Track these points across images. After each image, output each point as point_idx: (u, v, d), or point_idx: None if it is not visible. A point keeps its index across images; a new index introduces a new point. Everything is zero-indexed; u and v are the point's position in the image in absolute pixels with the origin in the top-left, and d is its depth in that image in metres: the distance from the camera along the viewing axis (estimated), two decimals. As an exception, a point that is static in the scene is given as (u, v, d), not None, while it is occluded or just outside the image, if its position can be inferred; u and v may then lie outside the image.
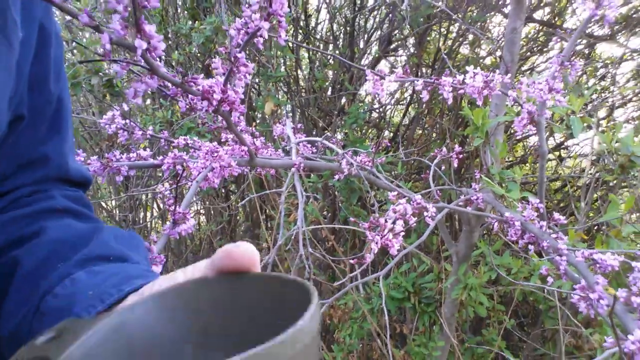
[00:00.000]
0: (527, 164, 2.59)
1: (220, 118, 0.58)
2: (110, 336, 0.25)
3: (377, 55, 2.52)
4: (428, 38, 2.49)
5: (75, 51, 1.86)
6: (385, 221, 0.66)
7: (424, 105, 2.45)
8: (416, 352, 1.87)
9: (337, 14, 2.55)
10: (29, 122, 0.40)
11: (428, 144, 2.48)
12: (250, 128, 1.13)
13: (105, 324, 0.25)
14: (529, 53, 2.50)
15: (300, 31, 2.54)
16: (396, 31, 2.51)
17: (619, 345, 0.71)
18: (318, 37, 2.67)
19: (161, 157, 0.75)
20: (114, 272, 0.35)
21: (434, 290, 1.92)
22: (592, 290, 0.90)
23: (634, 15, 2.02)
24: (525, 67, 2.58)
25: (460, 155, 1.21)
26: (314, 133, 2.38)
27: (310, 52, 2.56)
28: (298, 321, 0.21)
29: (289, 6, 2.36)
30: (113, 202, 2.76)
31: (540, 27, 2.46)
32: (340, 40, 2.62)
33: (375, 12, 2.54)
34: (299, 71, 2.61)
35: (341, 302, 2.00)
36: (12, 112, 0.38)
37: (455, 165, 1.26)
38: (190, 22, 2.11)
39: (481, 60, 2.43)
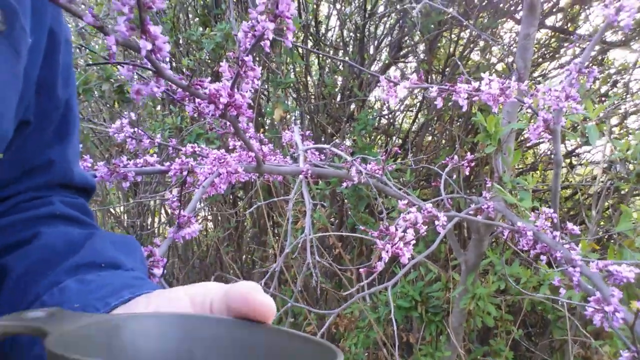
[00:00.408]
0: (537, 172, 2.56)
1: (228, 123, 0.57)
2: (103, 333, 0.25)
3: (387, 61, 2.51)
4: (438, 44, 2.48)
5: (87, 57, 1.88)
6: (396, 229, 0.65)
7: (434, 112, 2.43)
8: (423, 362, 1.84)
9: (348, 20, 2.55)
10: (36, 127, 0.40)
11: (437, 151, 2.46)
12: (259, 134, 1.13)
13: (99, 321, 0.25)
14: (540, 59, 2.48)
15: (310, 38, 2.54)
16: (406, 37, 2.50)
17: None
18: (328, 43, 2.67)
19: (168, 163, 0.75)
20: (102, 284, 0.34)
21: (441, 299, 1.89)
22: (607, 303, 0.88)
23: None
24: (536, 74, 2.56)
25: (473, 163, 1.20)
26: (323, 139, 2.37)
27: (320, 59, 2.56)
28: None
29: (299, 13, 2.36)
30: (121, 208, 2.77)
31: (553, 34, 2.43)
32: (350, 46, 2.61)
33: (386, 19, 2.54)
34: (308, 77, 2.61)
35: (347, 311, 1.98)
36: (19, 118, 0.38)
37: (467, 173, 1.25)
38: (200, 29, 2.12)
39: (492, 67, 2.41)
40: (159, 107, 2.41)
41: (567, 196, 2.53)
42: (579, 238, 1.19)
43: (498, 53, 2.49)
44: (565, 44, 2.36)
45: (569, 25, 2.38)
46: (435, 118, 2.49)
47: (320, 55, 2.49)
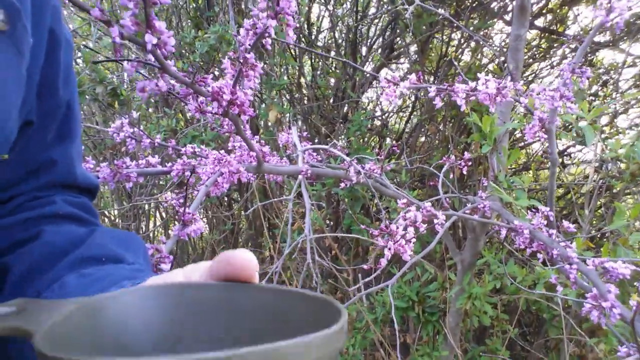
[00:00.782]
0: (530, 171, 2.58)
1: (228, 123, 0.57)
2: (84, 319, 0.24)
3: (379, 62, 2.52)
4: (430, 45, 2.49)
5: (80, 61, 1.86)
6: (397, 228, 0.65)
7: (426, 113, 2.44)
8: (420, 362, 1.85)
9: (340, 22, 2.56)
10: (38, 127, 0.40)
11: (430, 151, 2.48)
12: (257, 137, 1.12)
13: (83, 305, 0.24)
14: (531, 60, 2.50)
15: (303, 39, 2.55)
16: (398, 38, 2.51)
17: None
18: (320, 44, 2.67)
19: (170, 164, 0.75)
20: (102, 276, 0.34)
21: (438, 299, 1.90)
22: (604, 299, 0.89)
23: (637, 22, 2.02)
24: (527, 74, 2.58)
25: (469, 163, 1.21)
26: (317, 140, 2.37)
27: (313, 60, 2.57)
28: (332, 326, 0.19)
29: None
30: (116, 212, 2.75)
31: (542, 34, 2.46)
32: (342, 48, 2.62)
33: (377, 20, 2.55)
34: (302, 79, 2.62)
35: (345, 312, 1.98)
36: (22, 118, 0.38)
37: (464, 172, 1.26)
38: (193, 31, 2.11)
39: (483, 68, 2.43)
40: (151, 110, 2.39)
41: (559, 195, 2.55)
42: (574, 236, 1.20)
43: (489, 54, 2.51)
44: (555, 45, 2.39)
45: (558, 26, 2.41)
46: (428, 119, 2.50)
47: (313, 57, 2.49)
